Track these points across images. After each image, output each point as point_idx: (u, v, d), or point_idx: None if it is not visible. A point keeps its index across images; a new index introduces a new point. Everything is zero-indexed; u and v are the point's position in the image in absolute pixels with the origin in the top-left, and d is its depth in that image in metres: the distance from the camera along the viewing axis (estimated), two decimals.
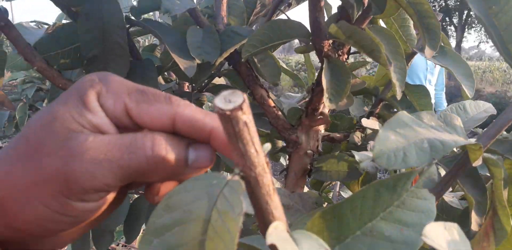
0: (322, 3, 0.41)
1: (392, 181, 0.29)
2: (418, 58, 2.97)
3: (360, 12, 0.47)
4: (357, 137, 0.62)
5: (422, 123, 0.35)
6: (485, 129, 0.38)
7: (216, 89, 0.72)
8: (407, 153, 0.31)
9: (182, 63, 0.49)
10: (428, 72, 3.06)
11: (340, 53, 0.47)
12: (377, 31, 0.47)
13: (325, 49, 0.45)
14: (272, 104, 0.58)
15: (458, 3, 12.33)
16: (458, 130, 0.37)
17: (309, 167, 0.59)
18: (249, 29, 0.53)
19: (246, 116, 0.19)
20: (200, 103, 0.79)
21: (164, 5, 0.48)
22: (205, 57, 0.50)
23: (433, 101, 2.95)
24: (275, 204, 0.22)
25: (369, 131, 0.63)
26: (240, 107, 0.19)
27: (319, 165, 0.59)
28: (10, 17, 0.48)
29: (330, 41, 0.44)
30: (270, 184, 0.22)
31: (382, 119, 0.68)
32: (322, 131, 0.60)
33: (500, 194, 0.37)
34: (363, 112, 0.64)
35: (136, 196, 0.79)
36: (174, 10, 0.47)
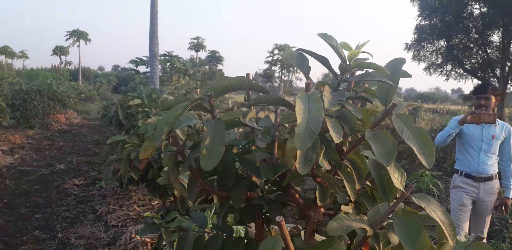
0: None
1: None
2: (472, 129, 3.24)
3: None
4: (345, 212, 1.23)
5: (350, 218, 0.96)
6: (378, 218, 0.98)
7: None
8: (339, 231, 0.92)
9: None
10: (483, 142, 3.18)
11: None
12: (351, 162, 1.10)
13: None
14: (297, 196, 1.21)
15: (501, 56, 12.59)
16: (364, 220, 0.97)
17: (315, 228, 1.20)
18: None
19: (282, 223, 0.84)
20: None
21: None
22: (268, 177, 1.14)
23: (495, 171, 3.24)
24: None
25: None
26: (280, 219, 0.84)
27: (321, 228, 1.20)
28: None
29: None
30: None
31: (357, 204, 1.28)
32: (322, 210, 1.21)
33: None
34: (345, 200, 1.25)
35: None
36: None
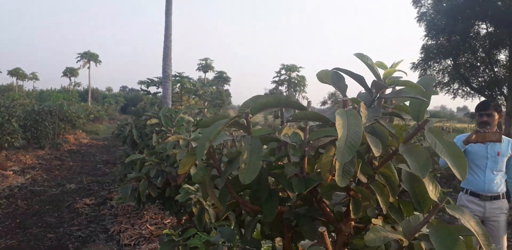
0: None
1: None
2: (477, 147, 3.15)
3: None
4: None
5: (386, 230, 0.99)
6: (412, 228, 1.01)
7: None
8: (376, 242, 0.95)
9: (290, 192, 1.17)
10: (488, 160, 3.12)
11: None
12: (378, 184, 1.13)
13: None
14: (328, 210, 1.24)
15: (508, 74, 12.65)
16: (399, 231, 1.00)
17: (346, 241, 1.22)
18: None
19: (325, 233, 0.87)
20: None
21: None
22: (300, 191, 1.18)
23: (502, 191, 3.13)
24: None
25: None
26: (323, 230, 0.87)
27: (351, 241, 1.22)
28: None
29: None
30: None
31: (385, 217, 1.30)
32: (352, 223, 1.24)
33: None
34: (374, 213, 1.27)
35: None
36: None
